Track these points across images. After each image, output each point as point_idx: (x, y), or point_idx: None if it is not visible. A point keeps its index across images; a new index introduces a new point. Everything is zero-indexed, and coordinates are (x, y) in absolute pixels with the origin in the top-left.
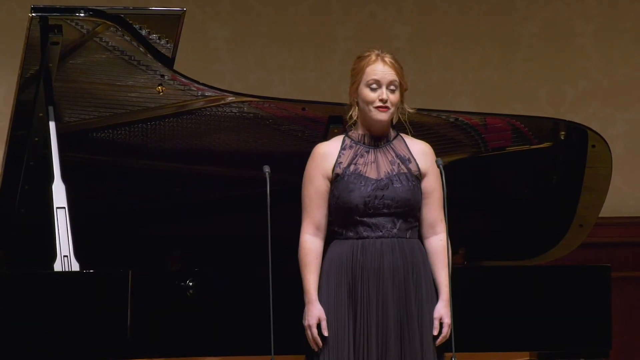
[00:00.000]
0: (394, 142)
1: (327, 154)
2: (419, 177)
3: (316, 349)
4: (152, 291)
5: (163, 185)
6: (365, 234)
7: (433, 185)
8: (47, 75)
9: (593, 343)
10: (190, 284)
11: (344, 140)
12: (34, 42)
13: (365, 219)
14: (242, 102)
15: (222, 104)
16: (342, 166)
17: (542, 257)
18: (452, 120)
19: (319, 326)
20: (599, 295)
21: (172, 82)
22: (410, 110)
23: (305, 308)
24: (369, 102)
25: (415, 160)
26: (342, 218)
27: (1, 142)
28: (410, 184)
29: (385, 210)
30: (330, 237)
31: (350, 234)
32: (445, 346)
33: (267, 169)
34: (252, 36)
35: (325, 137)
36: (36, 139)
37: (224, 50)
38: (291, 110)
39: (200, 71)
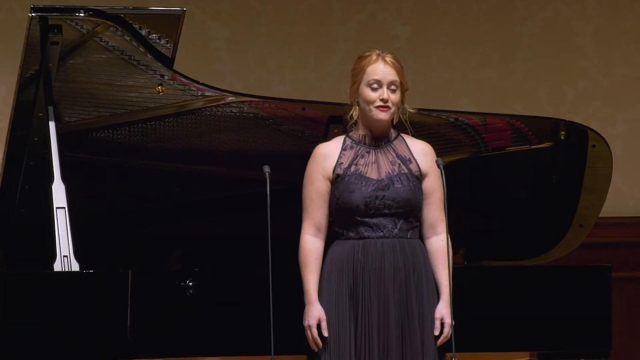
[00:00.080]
0: (395, 142)
1: (328, 154)
2: (419, 177)
3: (316, 350)
4: (152, 291)
5: (163, 185)
6: (366, 234)
7: (434, 186)
8: (46, 75)
9: (593, 343)
10: (190, 284)
11: (344, 141)
12: (33, 42)
13: (366, 219)
14: (242, 102)
15: (222, 104)
16: (342, 167)
17: (542, 257)
18: (452, 120)
19: (319, 327)
20: (599, 295)
21: (172, 82)
22: (411, 110)
23: (306, 309)
24: (370, 102)
25: (415, 160)
26: (343, 218)
27: (1, 142)
28: (411, 184)
29: (386, 211)
30: (331, 238)
31: (351, 234)
32: (446, 346)
33: (267, 169)
34: (252, 36)
35: (325, 137)
36: (36, 139)
37: (224, 50)
38: (291, 110)
39: (200, 71)
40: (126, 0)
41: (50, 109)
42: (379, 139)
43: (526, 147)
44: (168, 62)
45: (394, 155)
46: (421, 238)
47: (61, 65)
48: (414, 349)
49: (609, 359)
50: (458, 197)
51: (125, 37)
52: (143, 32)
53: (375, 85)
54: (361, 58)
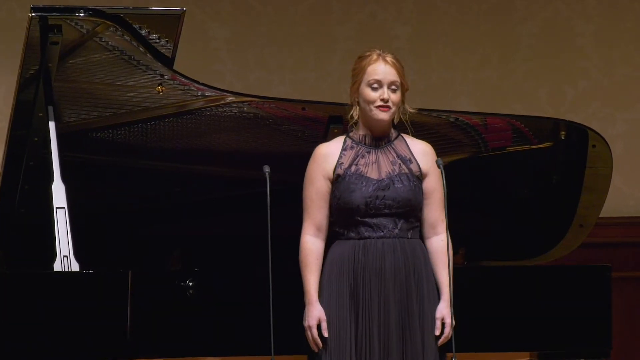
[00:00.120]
0: (395, 142)
1: (328, 154)
2: (420, 177)
3: (316, 350)
4: (152, 291)
5: (163, 185)
6: (366, 234)
7: (434, 186)
8: (46, 75)
9: (593, 343)
10: (190, 284)
11: (345, 141)
12: (33, 42)
13: (366, 219)
14: (242, 102)
15: (222, 104)
16: (343, 167)
17: (543, 257)
18: (452, 120)
19: (319, 327)
20: (599, 295)
21: (172, 82)
22: (412, 110)
23: (306, 309)
24: (370, 102)
25: (416, 160)
26: (344, 219)
27: (1, 142)
28: (411, 184)
29: (386, 211)
30: (331, 238)
31: (352, 234)
32: (446, 346)
33: (267, 169)
34: (252, 36)
35: (326, 137)
36: (36, 139)
37: (224, 50)
38: (291, 110)
39: (200, 71)
40: (126, 0)
41: (50, 109)
42: (379, 139)
43: (526, 147)
44: (168, 62)
45: (395, 155)
46: (421, 238)
47: (61, 65)
48: (414, 349)
49: (609, 359)
50: (458, 197)
51: (125, 37)
52: (143, 32)
53: (375, 85)
54: (362, 58)
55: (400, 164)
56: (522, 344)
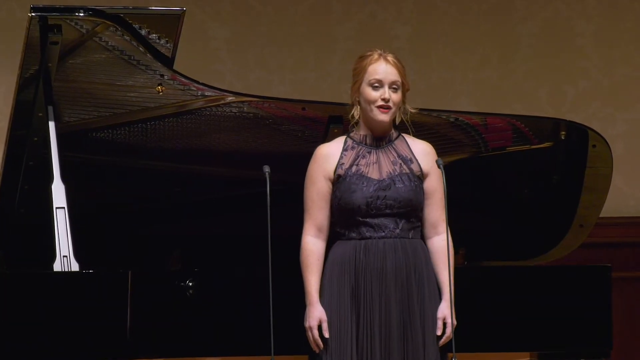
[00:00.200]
0: (396, 142)
1: (329, 155)
2: (421, 177)
3: (317, 351)
4: (152, 291)
5: (163, 185)
6: (367, 234)
7: (435, 186)
8: (46, 75)
9: (593, 343)
10: (190, 284)
11: (345, 141)
12: (33, 41)
13: (367, 219)
14: (242, 102)
15: (222, 103)
16: (344, 167)
17: (543, 257)
18: (452, 120)
19: (320, 328)
20: (599, 295)
21: (171, 82)
22: (412, 110)
23: (307, 309)
24: (371, 102)
25: (417, 160)
26: (345, 219)
27: (1, 142)
28: (412, 184)
29: (387, 211)
30: (332, 238)
31: (353, 234)
32: (448, 346)
33: (267, 169)
34: (252, 36)
35: (326, 137)
36: (36, 138)
37: (224, 50)
38: (291, 110)
39: (200, 71)
40: (126, 0)
41: (50, 108)
42: (380, 139)
43: (526, 147)
44: (168, 62)
45: (395, 155)
46: (423, 238)
47: (61, 65)
48: (415, 349)
49: (609, 359)
50: (458, 197)
51: (125, 37)
52: (143, 32)
53: (376, 85)
54: (363, 57)
55: (401, 163)
56: (522, 344)
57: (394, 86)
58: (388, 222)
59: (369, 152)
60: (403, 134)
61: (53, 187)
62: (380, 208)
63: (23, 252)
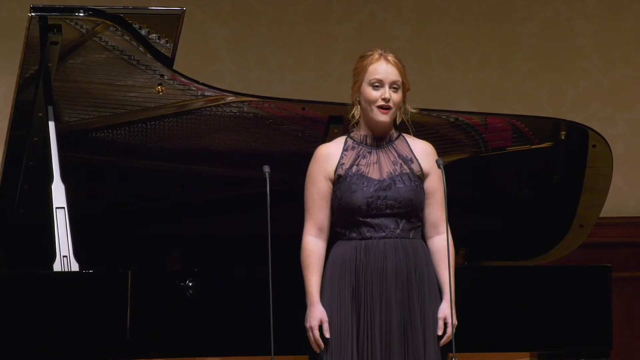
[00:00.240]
0: (396, 142)
1: (330, 155)
2: (421, 177)
3: (318, 351)
4: (152, 291)
5: (163, 185)
6: (368, 234)
7: (435, 185)
8: (46, 75)
9: (593, 343)
10: (190, 284)
11: (346, 141)
12: (33, 41)
13: (368, 219)
14: (242, 102)
15: (222, 103)
16: (344, 167)
17: (543, 257)
18: (452, 120)
19: (321, 328)
20: (599, 295)
21: (171, 82)
22: (413, 110)
23: (307, 310)
24: (372, 101)
25: (417, 160)
26: (345, 219)
27: (1, 142)
28: (412, 184)
29: (388, 211)
30: (333, 238)
31: (353, 234)
32: (448, 346)
33: (267, 169)
34: (252, 36)
35: (325, 137)
36: (35, 138)
37: (224, 50)
38: (291, 110)
39: (200, 71)
40: (126, 0)
41: (50, 108)
42: (380, 138)
43: (526, 147)
44: (168, 62)
45: (396, 155)
46: (423, 238)
47: (61, 65)
48: (416, 349)
49: (609, 359)
50: (458, 197)
51: (125, 36)
52: (143, 32)
53: (377, 84)
54: (363, 57)
55: (401, 163)
56: (523, 344)
57: (395, 86)
58: (388, 222)
59: (370, 152)
60: (403, 134)
61: (53, 187)
62: (380, 208)
63: (23, 252)
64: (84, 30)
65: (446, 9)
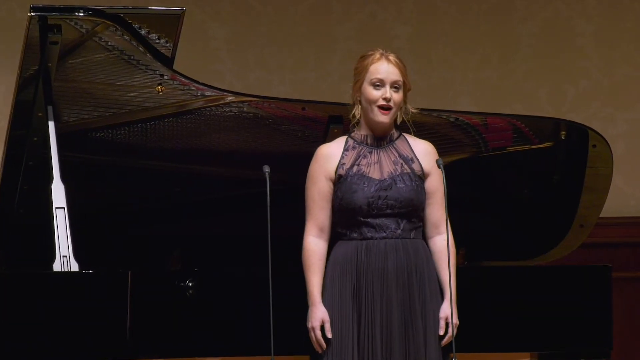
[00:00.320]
0: (397, 142)
1: (330, 155)
2: (422, 177)
3: (320, 351)
4: (152, 291)
5: (163, 185)
6: (369, 234)
7: (436, 185)
8: (46, 74)
9: (594, 343)
10: (190, 284)
11: (346, 141)
12: (33, 41)
13: (369, 219)
14: (242, 102)
15: (222, 103)
16: (345, 167)
17: (543, 257)
18: (452, 120)
19: (322, 328)
20: (599, 295)
21: (171, 82)
22: (414, 110)
23: (309, 310)
24: (372, 101)
25: (418, 160)
26: (346, 219)
27: (0, 142)
28: (413, 184)
29: (388, 211)
30: (334, 238)
31: (354, 235)
32: (449, 346)
33: (267, 169)
34: (252, 36)
35: (326, 137)
36: (35, 138)
37: (224, 50)
38: (291, 110)
39: (200, 71)
40: (126, 0)
41: (50, 108)
42: (381, 138)
43: (527, 147)
44: (168, 61)
45: (397, 155)
46: (424, 238)
47: (60, 65)
48: (417, 349)
49: (609, 359)
50: (458, 197)
51: (125, 36)
52: (143, 32)
53: (378, 84)
54: (364, 57)
55: (402, 163)
56: (523, 344)
57: (396, 86)
58: (389, 223)
59: (370, 152)
60: (404, 134)
61: (53, 187)
62: (381, 208)
63: (23, 252)
64: (83, 30)
65: (446, 9)
